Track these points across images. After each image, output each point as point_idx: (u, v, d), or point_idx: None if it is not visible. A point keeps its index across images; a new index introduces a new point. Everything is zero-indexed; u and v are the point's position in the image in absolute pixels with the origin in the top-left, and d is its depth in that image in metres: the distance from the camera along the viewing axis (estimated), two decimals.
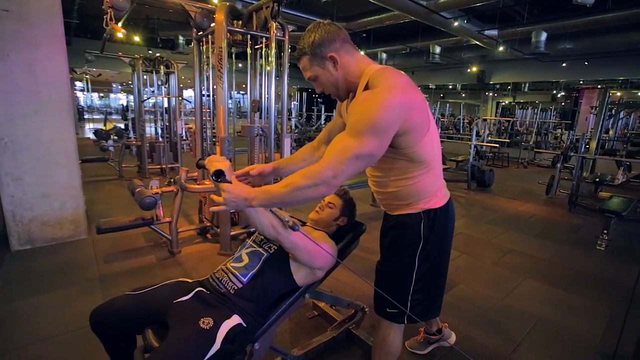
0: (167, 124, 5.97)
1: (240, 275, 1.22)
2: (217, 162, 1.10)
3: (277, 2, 2.36)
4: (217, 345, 1.03)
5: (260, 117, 2.92)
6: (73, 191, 2.92)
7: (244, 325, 1.12)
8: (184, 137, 6.05)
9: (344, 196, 1.50)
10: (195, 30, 2.82)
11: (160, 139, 5.96)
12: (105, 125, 10.15)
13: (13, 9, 2.42)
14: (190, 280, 1.32)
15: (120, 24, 2.49)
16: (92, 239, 3.01)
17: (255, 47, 2.91)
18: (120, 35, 2.18)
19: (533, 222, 4.07)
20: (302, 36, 1.03)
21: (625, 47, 7.35)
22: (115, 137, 6.79)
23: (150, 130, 6.19)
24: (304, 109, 13.22)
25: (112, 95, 24.92)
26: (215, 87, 2.64)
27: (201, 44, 2.93)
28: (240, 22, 2.75)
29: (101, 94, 25.01)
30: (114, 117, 15.73)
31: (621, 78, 9.94)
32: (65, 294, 2.17)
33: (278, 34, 2.63)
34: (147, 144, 5.64)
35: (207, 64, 2.99)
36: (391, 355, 1.29)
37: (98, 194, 4.49)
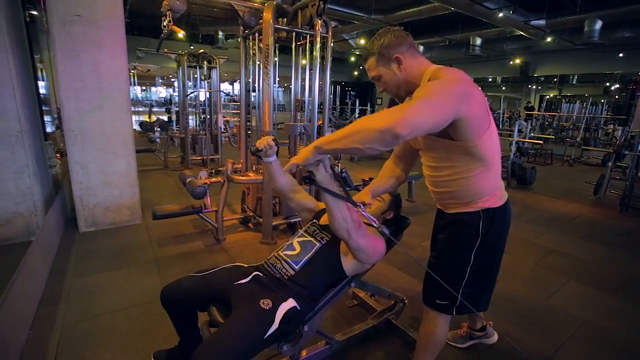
0: (208, 117, 6.25)
1: (293, 262, 1.32)
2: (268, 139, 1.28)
3: (324, 0, 2.42)
4: (275, 324, 1.14)
5: (303, 112, 3.02)
6: (130, 180, 3.19)
7: (299, 308, 1.23)
8: (224, 130, 6.31)
9: (393, 192, 1.56)
10: (242, 28, 2.95)
11: (202, 132, 6.25)
12: (149, 117, 10.75)
13: (83, 13, 2.66)
14: (245, 265, 1.44)
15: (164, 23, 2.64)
16: (146, 224, 3.27)
17: (298, 43, 3.00)
18: (180, 35, 2.33)
19: (579, 223, 3.89)
20: (372, 39, 1.12)
21: None
22: (159, 129, 7.23)
23: (191, 123, 6.52)
24: (338, 102, 13.23)
25: (153, 89, 26.15)
26: (262, 83, 2.75)
27: (247, 41, 3.06)
28: (285, 19, 2.84)
29: (143, 87, 26.35)
30: (155, 109, 16.60)
31: None
32: (127, 273, 2.41)
33: (322, 31, 2.70)
34: (190, 136, 5.95)
35: (252, 61, 3.11)
36: (437, 346, 1.35)
37: (147, 183, 4.83)
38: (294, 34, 2.84)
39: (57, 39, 2.62)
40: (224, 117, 8.22)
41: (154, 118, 10.20)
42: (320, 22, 2.56)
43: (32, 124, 2.83)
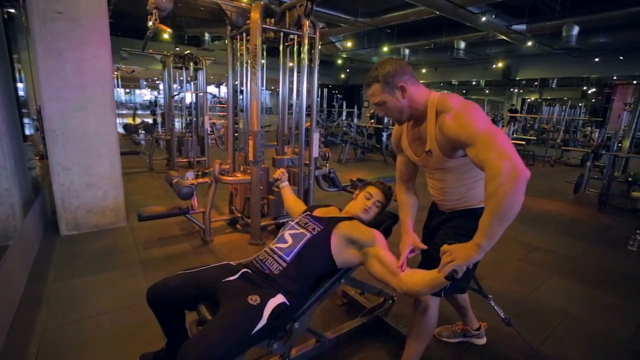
0: (194, 119, 6.18)
1: (285, 254, 1.32)
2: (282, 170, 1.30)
3: (311, 0, 2.44)
4: (264, 320, 1.13)
5: (291, 113, 3.01)
6: (114, 181, 3.12)
7: (288, 303, 1.22)
8: (210, 132, 6.24)
9: (388, 192, 1.58)
10: (230, 28, 2.93)
11: (188, 134, 6.17)
12: (133, 120, 10.54)
13: (66, 11, 2.60)
14: (234, 263, 1.43)
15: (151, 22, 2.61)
16: (131, 227, 3.20)
17: (286, 44, 3.00)
18: (166, 35, 2.29)
19: (560, 221, 4.00)
20: (375, 67, 1.20)
21: None
22: (144, 132, 7.08)
23: (177, 125, 6.42)
24: (325, 105, 13.28)
25: (137, 91, 25.66)
26: (249, 84, 2.74)
27: (235, 41, 3.05)
28: (273, 20, 2.84)
29: (127, 90, 25.81)
30: (139, 112, 16.31)
31: None
32: (111, 276, 2.35)
33: (309, 32, 2.71)
34: (176, 139, 5.87)
35: (240, 62, 3.10)
36: (430, 327, 1.38)
37: (132, 185, 4.73)
38: (281, 34, 2.84)
39: (37, 36, 2.55)
40: (210, 119, 8.17)
41: (138, 121, 10.01)
42: (308, 22, 2.57)
43: (10, 124, 2.73)
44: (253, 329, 1.10)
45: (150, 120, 9.82)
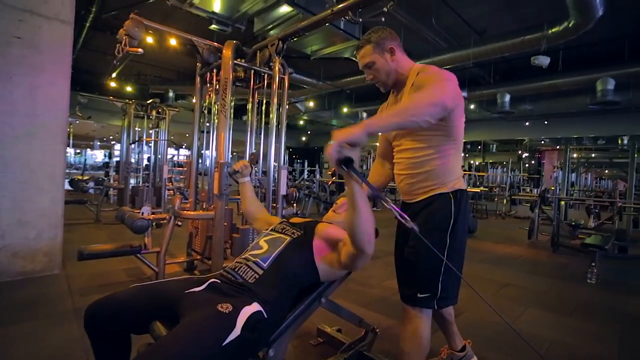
0: (152, 168, 5.89)
1: (261, 260, 1.15)
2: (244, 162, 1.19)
3: (282, 39, 2.58)
4: (237, 330, 0.93)
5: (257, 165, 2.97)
6: (53, 220, 2.73)
7: (265, 315, 1.03)
8: (168, 182, 5.95)
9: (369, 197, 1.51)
10: (200, 65, 2.97)
11: (145, 184, 5.82)
12: (82, 175, 9.83)
13: (25, 36, 2.50)
14: (198, 276, 1.22)
15: (114, 75, 2.59)
16: (66, 274, 2.74)
17: (255, 87, 3.02)
18: (140, 50, 2.27)
19: (522, 262, 4.11)
20: (368, 32, 1.28)
21: (577, 108, 8.30)
22: (92, 183, 6.56)
23: (132, 181, 6.04)
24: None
25: (89, 152, 24.45)
26: (218, 115, 2.70)
27: (205, 78, 3.06)
28: (243, 60, 2.94)
29: (77, 150, 24.50)
30: (89, 172, 15.27)
31: (575, 136, 11.02)
32: (35, 325, 1.91)
33: (280, 72, 2.80)
34: (130, 188, 5.48)
35: (208, 102, 3.08)
36: (423, 349, 1.22)
37: (73, 235, 4.18)
38: (252, 73, 2.91)
39: None
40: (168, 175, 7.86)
41: (88, 177, 9.36)
42: (279, 60, 2.68)
43: None
44: (224, 340, 0.89)
45: (103, 176, 9.23)
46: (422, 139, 1.24)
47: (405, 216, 0.96)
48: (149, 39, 3.08)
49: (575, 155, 14.68)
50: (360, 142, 0.91)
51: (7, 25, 2.43)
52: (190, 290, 1.07)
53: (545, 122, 10.27)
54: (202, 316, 0.93)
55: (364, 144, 0.93)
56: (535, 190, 11.18)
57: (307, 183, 9.14)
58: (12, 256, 2.55)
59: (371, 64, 1.26)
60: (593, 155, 16.06)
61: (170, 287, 1.11)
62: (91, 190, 5.24)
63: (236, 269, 1.17)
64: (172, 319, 1.00)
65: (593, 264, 3.33)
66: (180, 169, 10.75)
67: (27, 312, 2.07)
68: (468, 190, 1.66)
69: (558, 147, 14.55)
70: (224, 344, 0.89)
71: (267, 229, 1.33)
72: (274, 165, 2.82)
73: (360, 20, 2.29)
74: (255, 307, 1.01)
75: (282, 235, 1.23)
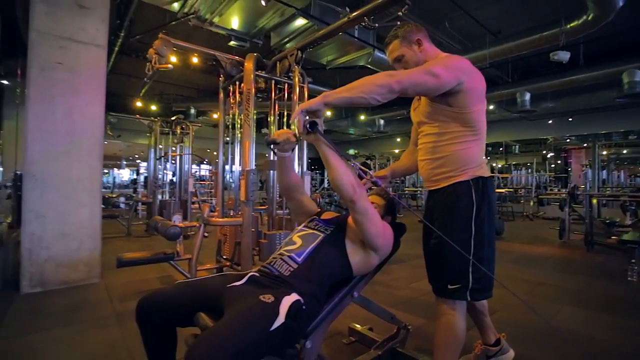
0: (177, 182, 6.11)
1: (295, 255, 1.19)
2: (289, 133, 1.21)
3: (301, 49, 2.67)
4: (281, 317, 0.97)
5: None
6: (92, 231, 2.90)
7: (302, 303, 1.07)
8: (193, 195, 6.15)
9: (385, 196, 1.53)
10: (223, 78, 3.11)
11: (171, 198, 6.03)
12: (112, 192, 10.31)
13: (66, 62, 2.71)
14: (239, 272, 1.28)
15: (142, 93, 2.75)
16: (105, 283, 2.88)
17: (275, 97, 3.13)
18: (170, 66, 2.42)
19: (554, 262, 3.97)
20: (395, 28, 1.34)
21: (602, 103, 7.99)
22: (123, 198, 6.87)
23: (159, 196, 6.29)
24: None
25: (115, 171, 25.46)
26: (243, 125, 2.81)
27: (227, 91, 3.20)
28: (264, 72, 3.05)
29: (105, 170, 25.52)
30: (117, 190, 16.00)
31: (603, 132, 10.57)
32: (80, 329, 2.02)
33: (299, 81, 2.89)
34: (158, 202, 5.69)
35: (232, 114, 3.20)
36: (458, 341, 1.21)
37: (106, 248, 4.35)
38: (273, 82, 3.02)
39: (33, 83, 2.59)
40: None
41: (117, 194, 9.80)
42: (298, 69, 2.78)
43: None
44: (271, 326, 0.94)
45: (130, 194, 9.64)
46: (439, 125, 1.27)
47: (371, 173, 1.22)
48: (173, 58, 3.26)
49: (604, 152, 14.07)
50: (318, 108, 1.08)
51: (51, 52, 2.65)
52: (231, 284, 1.13)
53: (570, 120, 9.91)
54: (246, 306, 0.98)
55: (322, 111, 1.10)
56: (564, 190, 10.79)
57: (327, 191, 9.19)
58: (56, 266, 2.71)
59: (400, 57, 1.30)
60: (624, 151, 15.33)
61: (212, 282, 1.17)
62: (122, 205, 5.46)
63: (272, 263, 1.22)
64: (215, 311, 1.06)
65: (633, 261, 3.18)
66: (203, 182, 11.07)
67: (72, 317, 2.19)
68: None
69: (585, 144, 14.00)
70: (272, 329, 0.93)
71: (301, 224, 1.38)
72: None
73: (376, 25, 2.35)
74: (294, 297, 1.06)
75: (315, 231, 1.28)
